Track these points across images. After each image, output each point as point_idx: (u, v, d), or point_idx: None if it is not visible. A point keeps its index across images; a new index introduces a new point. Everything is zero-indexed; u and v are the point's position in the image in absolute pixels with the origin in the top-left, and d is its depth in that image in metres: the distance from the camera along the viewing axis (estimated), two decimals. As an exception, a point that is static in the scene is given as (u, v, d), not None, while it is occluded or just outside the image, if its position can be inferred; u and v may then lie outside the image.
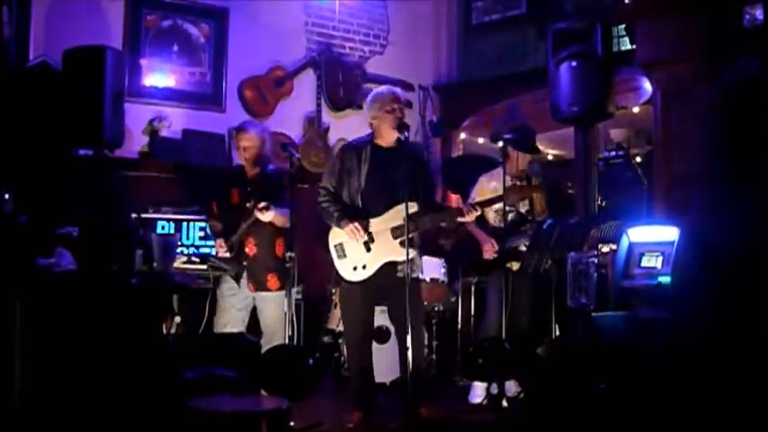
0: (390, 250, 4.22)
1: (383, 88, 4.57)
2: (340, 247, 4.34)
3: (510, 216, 4.95)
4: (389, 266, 4.23)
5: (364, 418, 4.31)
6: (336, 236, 4.37)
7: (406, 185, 4.01)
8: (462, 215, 4.31)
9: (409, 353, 3.94)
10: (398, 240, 4.20)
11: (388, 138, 4.36)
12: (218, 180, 5.07)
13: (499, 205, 4.74)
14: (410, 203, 4.09)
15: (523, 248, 4.93)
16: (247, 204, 4.61)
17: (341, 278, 4.40)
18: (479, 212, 4.42)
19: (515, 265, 4.92)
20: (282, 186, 4.65)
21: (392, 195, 4.22)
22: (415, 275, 4.36)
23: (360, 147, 4.43)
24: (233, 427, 2.90)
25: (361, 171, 4.33)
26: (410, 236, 4.11)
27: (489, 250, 4.94)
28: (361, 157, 4.36)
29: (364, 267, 4.26)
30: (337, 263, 4.37)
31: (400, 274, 4.21)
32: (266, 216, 4.53)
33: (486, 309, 5.19)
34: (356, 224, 4.22)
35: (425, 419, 4.29)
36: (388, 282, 4.26)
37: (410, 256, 4.10)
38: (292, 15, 6.84)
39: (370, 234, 4.24)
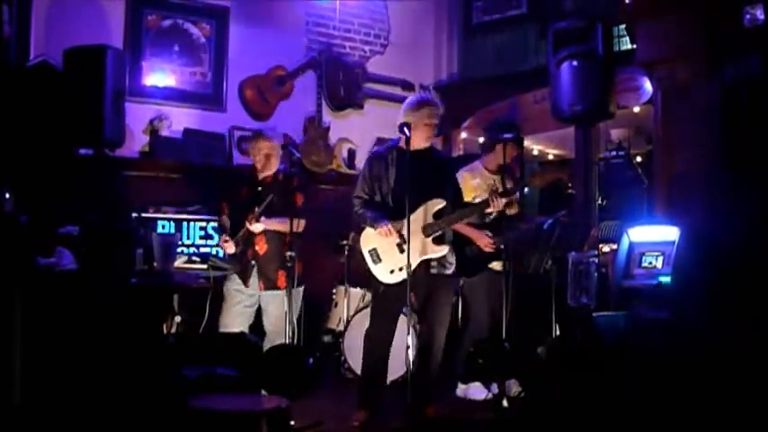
0: (423, 248, 4.26)
1: (429, 97, 4.70)
2: (374, 253, 4.36)
3: (494, 215, 4.97)
4: (425, 264, 4.29)
5: (369, 416, 4.32)
6: (368, 242, 4.39)
7: (433, 185, 4.14)
8: (489, 206, 4.33)
9: (410, 352, 3.94)
10: (431, 238, 4.29)
11: (416, 143, 4.37)
12: (230, 179, 5.11)
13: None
14: (438, 200, 4.31)
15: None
16: (256, 208, 4.62)
17: (378, 282, 4.39)
18: (507, 201, 4.40)
19: (497, 266, 4.91)
20: (291, 190, 4.70)
21: (421, 196, 4.27)
22: (448, 272, 4.45)
23: (385, 153, 4.49)
24: (233, 426, 2.90)
25: (389, 175, 4.40)
26: (440, 232, 4.31)
27: (488, 245, 4.88)
28: (388, 162, 4.43)
29: (401, 269, 4.27)
30: (373, 268, 4.38)
31: (434, 270, 4.35)
32: (255, 227, 4.61)
33: (473, 311, 5.17)
34: (389, 226, 4.25)
35: (430, 419, 4.29)
36: (423, 280, 4.31)
37: (443, 253, 4.34)
38: (293, 15, 6.84)
39: (401, 235, 4.25)
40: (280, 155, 4.86)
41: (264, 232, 4.67)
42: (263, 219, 4.61)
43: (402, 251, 4.24)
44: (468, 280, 5.15)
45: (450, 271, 4.50)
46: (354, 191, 4.53)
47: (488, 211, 4.41)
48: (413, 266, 4.16)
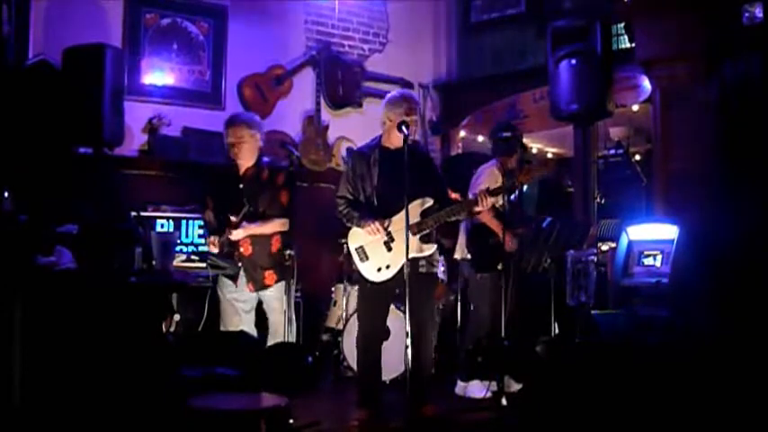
0: (411, 247, 4.23)
1: (407, 92, 4.61)
2: (361, 251, 4.35)
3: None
4: (411, 263, 4.23)
5: (370, 416, 4.32)
6: (356, 239, 4.37)
7: (417, 183, 4.04)
8: (477, 204, 4.29)
9: (408, 351, 3.94)
10: (418, 236, 4.24)
11: (396, 140, 4.35)
12: (216, 176, 4.85)
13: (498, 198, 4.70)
14: (426, 198, 4.23)
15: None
16: (233, 218, 4.47)
17: (364, 280, 4.38)
18: (493, 200, 4.38)
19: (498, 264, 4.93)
20: (277, 187, 4.56)
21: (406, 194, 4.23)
22: (434, 270, 4.44)
23: (368, 151, 4.45)
24: (232, 425, 2.90)
25: (372, 174, 4.36)
26: (428, 230, 4.24)
27: (511, 246, 4.86)
28: (370, 161, 4.38)
29: (388, 267, 4.28)
30: (360, 266, 4.36)
31: (422, 269, 4.30)
32: (236, 235, 4.45)
33: (476, 309, 5.17)
34: (377, 223, 4.24)
35: (429, 418, 4.29)
36: (411, 278, 4.25)
37: (431, 251, 4.29)
38: (292, 13, 6.84)
39: (389, 233, 4.25)
40: (259, 146, 4.59)
41: (248, 236, 4.52)
42: (243, 225, 4.45)
43: (389, 249, 4.25)
44: (475, 279, 5.15)
45: (437, 269, 4.51)
46: (338, 191, 4.48)
47: (477, 209, 4.38)
48: (400, 266, 4.17)
